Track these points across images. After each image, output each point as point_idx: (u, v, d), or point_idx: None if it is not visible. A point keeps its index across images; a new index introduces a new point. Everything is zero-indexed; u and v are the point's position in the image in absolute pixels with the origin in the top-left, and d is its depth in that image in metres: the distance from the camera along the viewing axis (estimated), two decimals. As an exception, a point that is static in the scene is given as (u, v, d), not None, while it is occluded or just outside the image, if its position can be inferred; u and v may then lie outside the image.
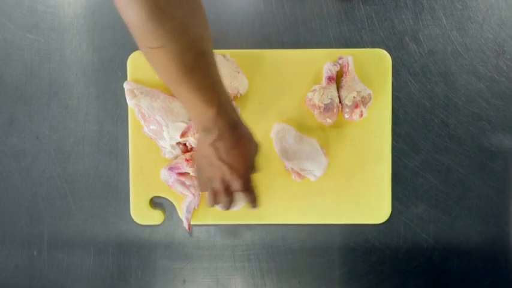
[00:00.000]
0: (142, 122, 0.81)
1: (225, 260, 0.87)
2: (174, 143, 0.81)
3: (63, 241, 0.87)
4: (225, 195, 0.70)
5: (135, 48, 0.84)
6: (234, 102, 0.68)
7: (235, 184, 0.68)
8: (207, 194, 0.72)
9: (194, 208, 0.83)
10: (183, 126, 0.79)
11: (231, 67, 0.82)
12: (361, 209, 0.85)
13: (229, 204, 0.72)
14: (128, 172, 0.85)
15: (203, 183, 0.72)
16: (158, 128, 0.80)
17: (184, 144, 0.82)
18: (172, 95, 0.82)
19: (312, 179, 0.83)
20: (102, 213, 0.87)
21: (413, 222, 0.86)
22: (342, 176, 0.84)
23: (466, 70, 0.85)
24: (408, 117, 0.86)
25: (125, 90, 0.81)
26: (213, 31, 0.85)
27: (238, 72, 0.82)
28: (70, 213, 0.87)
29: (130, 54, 0.84)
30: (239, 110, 0.83)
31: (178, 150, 0.82)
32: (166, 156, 0.83)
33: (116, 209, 0.87)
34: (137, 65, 0.83)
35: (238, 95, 0.83)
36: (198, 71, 0.60)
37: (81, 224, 0.87)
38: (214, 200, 0.72)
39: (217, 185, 0.69)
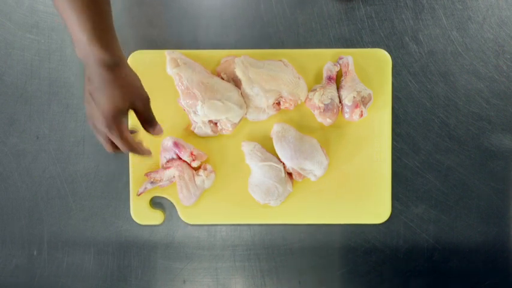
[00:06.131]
0: (180, 92, 0.80)
1: (225, 260, 0.87)
2: (206, 120, 0.80)
3: (63, 241, 0.87)
4: (99, 135, 0.67)
5: (135, 48, 0.84)
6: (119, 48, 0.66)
7: (98, 124, 0.65)
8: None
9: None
10: (219, 104, 0.78)
11: (292, 73, 0.81)
12: (361, 209, 0.85)
13: (109, 146, 0.68)
14: (128, 172, 0.85)
15: (87, 118, 0.68)
16: (194, 102, 0.79)
17: (215, 124, 0.81)
18: (210, 73, 0.82)
19: (312, 179, 0.83)
20: (102, 213, 0.87)
21: (413, 222, 0.86)
22: (342, 176, 0.84)
23: (466, 70, 0.85)
24: (408, 117, 0.86)
25: (168, 58, 0.80)
26: (212, 31, 0.86)
27: (299, 79, 0.81)
28: (70, 213, 0.87)
29: (130, 54, 0.84)
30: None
31: (208, 129, 0.81)
32: (195, 130, 0.82)
33: (116, 209, 0.87)
34: (137, 65, 0.83)
35: (299, 102, 0.82)
36: None
37: (81, 224, 0.87)
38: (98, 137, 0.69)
39: (91, 123, 0.67)
